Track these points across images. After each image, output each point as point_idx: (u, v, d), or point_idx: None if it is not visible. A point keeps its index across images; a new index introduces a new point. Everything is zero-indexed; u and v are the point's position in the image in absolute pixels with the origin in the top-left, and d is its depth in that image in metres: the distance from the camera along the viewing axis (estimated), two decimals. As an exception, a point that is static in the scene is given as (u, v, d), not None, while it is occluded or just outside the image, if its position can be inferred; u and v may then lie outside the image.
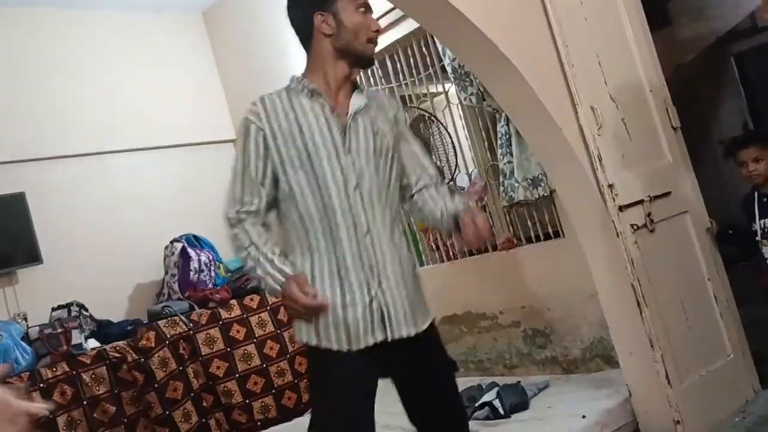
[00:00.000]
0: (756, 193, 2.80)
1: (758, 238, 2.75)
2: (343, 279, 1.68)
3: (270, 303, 3.99)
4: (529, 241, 3.62)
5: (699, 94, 5.74)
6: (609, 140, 2.76)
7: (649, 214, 2.77)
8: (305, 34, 1.76)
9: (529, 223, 3.59)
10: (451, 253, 4.03)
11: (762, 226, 2.73)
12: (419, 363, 1.75)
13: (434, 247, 4.18)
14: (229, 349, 3.77)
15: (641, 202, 2.77)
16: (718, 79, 6.05)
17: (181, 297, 3.91)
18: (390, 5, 2.95)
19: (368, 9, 1.75)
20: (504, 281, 3.70)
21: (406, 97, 4.14)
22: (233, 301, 3.87)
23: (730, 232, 2.99)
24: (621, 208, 2.71)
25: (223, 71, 4.80)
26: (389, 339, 1.66)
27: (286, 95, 1.74)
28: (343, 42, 1.72)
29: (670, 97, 3.03)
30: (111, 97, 4.33)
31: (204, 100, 4.68)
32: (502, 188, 3.56)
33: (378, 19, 3.41)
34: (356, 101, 1.76)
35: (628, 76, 2.92)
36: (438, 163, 4.00)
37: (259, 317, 3.94)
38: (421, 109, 4.02)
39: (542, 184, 3.37)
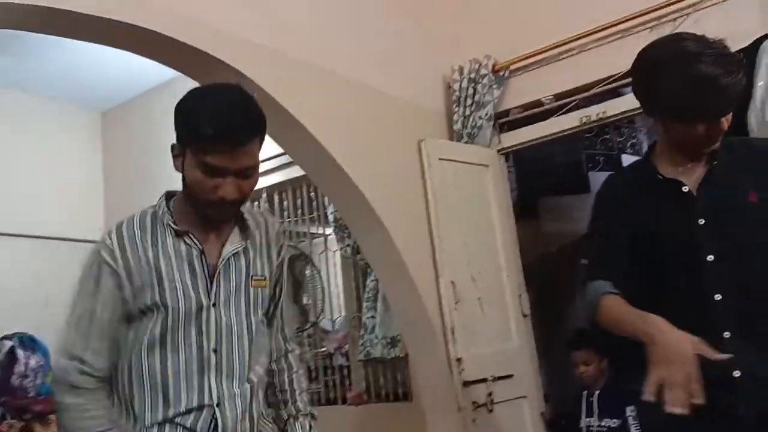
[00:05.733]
0: (585, 393, 3.00)
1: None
2: None
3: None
4: (379, 398, 3.62)
5: (559, 283, 6.21)
6: (464, 316, 2.91)
7: (490, 394, 2.88)
8: None
9: (383, 380, 3.61)
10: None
11: (587, 425, 2.89)
12: None
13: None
14: (35, 470, 3.37)
15: (485, 380, 2.88)
16: (577, 272, 6.58)
17: (-4, 401, 3.52)
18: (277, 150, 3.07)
19: (217, 172, 1.35)
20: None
21: (287, 233, 4.22)
22: (53, 416, 3.52)
23: (563, 422, 3.14)
24: (465, 384, 2.81)
25: (108, 173, 4.72)
26: None
27: (150, 225, 1.44)
28: (187, 192, 1.43)
29: (524, 285, 3.28)
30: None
31: (80, 198, 4.53)
32: (361, 341, 3.60)
33: (272, 158, 3.62)
34: (231, 245, 1.46)
35: (490, 261, 3.14)
36: (307, 304, 4.02)
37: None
38: (297, 248, 4.09)
39: (399, 345, 3.45)
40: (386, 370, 3.60)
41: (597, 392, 2.97)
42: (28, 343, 3.76)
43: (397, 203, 2.90)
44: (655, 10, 2.86)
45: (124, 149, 4.66)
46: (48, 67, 4.11)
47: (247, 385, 1.44)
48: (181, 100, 1.41)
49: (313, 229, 4.17)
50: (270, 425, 1.53)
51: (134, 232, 1.43)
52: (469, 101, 3.26)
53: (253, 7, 2.63)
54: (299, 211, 4.04)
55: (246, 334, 1.45)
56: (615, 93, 3.39)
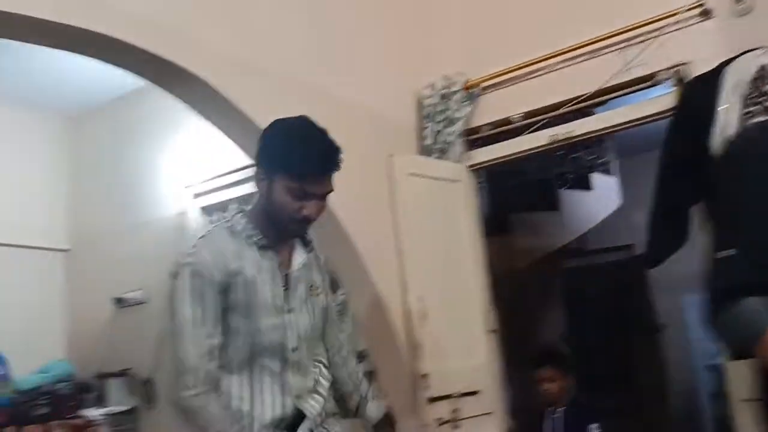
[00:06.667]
0: (549, 410, 3.00)
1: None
2: None
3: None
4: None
5: (528, 298, 6.24)
6: (431, 332, 2.90)
7: (455, 410, 2.87)
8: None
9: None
10: None
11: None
12: None
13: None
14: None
15: (450, 397, 2.87)
16: (546, 289, 6.63)
17: (-50, 413, 3.42)
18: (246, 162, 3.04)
19: (305, 196, 1.61)
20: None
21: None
22: (9, 429, 3.43)
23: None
24: (430, 400, 2.80)
25: (74, 180, 4.61)
26: None
27: (231, 240, 1.64)
28: (270, 211, 1.65)
29: (492, 301, 3.28)
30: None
31: (43, 204, 4.41)
32: (328, 356, 3.57)
33: (241, 170, 3.57)
34: (299, 256, 1.72)
35: (458, 277, 3.14)
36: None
37: (34, 452, 3.50)
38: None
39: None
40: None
41: (561, 409, 2.98)
42: (-14, 353, 3.66)
43: (366, 218, 2.88)
44: (623, 32, 2.91)
45: (91, 157, 4.57)
46: (11, 71, 3.99)
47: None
48: (271, 136, 1.68)
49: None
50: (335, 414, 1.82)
51: (220, 245, 1.63)
52: (440, 117, 3.28)
53: (223, 17, 2.61)
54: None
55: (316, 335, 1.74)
56: (584, 113, 3.44)
